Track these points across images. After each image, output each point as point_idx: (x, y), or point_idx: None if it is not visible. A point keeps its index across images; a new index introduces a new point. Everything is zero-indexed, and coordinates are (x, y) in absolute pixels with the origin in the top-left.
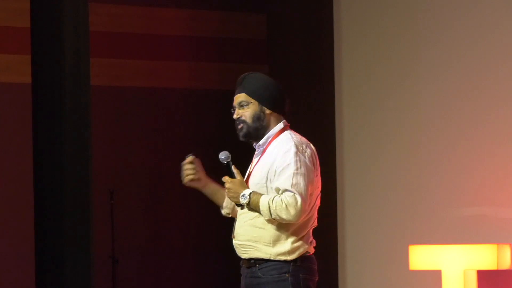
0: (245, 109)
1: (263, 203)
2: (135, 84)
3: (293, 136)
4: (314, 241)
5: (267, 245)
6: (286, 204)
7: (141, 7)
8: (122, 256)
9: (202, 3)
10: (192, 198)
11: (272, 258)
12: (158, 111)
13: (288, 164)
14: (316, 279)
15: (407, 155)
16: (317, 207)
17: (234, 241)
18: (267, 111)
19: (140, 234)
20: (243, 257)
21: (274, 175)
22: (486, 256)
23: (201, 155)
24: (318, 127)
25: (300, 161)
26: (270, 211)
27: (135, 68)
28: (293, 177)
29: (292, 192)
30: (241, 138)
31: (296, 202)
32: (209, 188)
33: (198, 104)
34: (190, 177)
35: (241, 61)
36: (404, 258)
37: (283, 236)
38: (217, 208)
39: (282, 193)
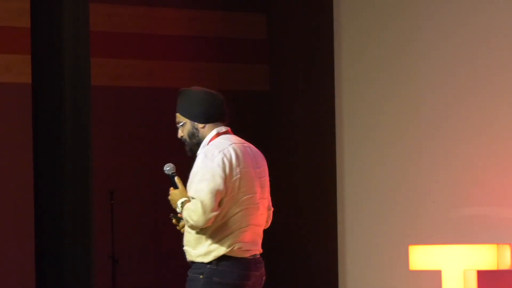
0: (182, 128)
1: (183, 211)
2: (135, 84)
3: (215, 142)
4: (245, 245)
5: (192, 248)
6: (191, 210)
7: (141, 7)
8: (122, 256)
9: (202, 3)
10: None
11: (194, 260)
12: (158, 111)
13: (196, 172)
14: (244, 283)
15: (407, 155)
16: (248, 209)
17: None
18: (200, 126)
19: (140, 234)
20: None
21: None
22: (486, 256)
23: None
24: (318, 127)
25: (206, 167)
26: (186, 218)
27: (135, 68)
28: (197, 184)
29: (195, 199)
30: (188, 154)
31: (197, 208)
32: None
33: None
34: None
35: (241, 61)
36: (404, 258)
37: (202, 239)
38: None
39: (191, 200)
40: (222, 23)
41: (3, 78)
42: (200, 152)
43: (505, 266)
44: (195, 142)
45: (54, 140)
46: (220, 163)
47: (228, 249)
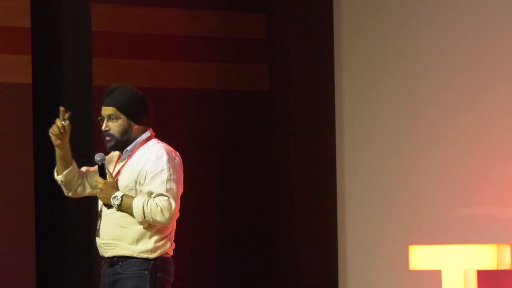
0: (114, 122)
1: (136, 205)
2: (135, 84)
3: (162, 144)
4: (174, 244)
5: (130, 244)
6: (161, 208)
7: (141, 7)
8: None
9: (202, 3)
10: (191, 197)
11: (134, 256)
12: (158, 111)
13: (161, 170)
14: (172, 281)
15: (407, 155)
16: None
17: (97, 240)
18: (135, 126)
19: None
20: (106, 255)
21: (145, 179)
22: (486, 256)
23: (201, 154)
24: (318, 127)
25: (172, 167)
26: (144, 213)
27: (135, 68)
28: (167, 182)
29: (166, 196)
30: (108, 150)
31: (171, 206)
32: (64, 149)
33: (198, 104)
34: (58, 133)
35: (241, 61)
36: (404, 258)
37: (147, 235)
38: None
39: (155, 197)
40: (222, 23)
41: (3, 78)
42: (149, 151)
43: (505, 266)
44: (125, 139)
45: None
46: (180, 166)
47: (169, 247)
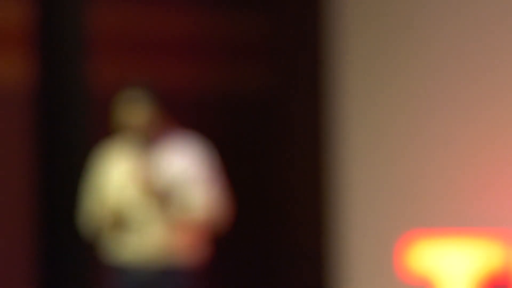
0: (145, 122)
1: (188, 206)
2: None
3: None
4: None
5: (177, 246)
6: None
7: (141, 7)
8: None
9: (202, 3)
10: None
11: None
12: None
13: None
14: None
15: (407, 155)
16: None
17: (138, 242)
18: (159, 123)
19: None
20: (149, 257)
21: (185, 181)
22: (486, 256)
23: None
24: (318, 127)
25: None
26: (195, 214)
27: (135, 68)
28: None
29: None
30: (136, 147)
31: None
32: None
33: (198, 104)
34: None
35: (241, 61)
36: (404, 258)
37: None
38: None
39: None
40: (223, 23)
41: (3, 78)
42: (180, 149)
43: (505, 266)
44: (150, 138)
45: (55, 140)
46: None
47: None
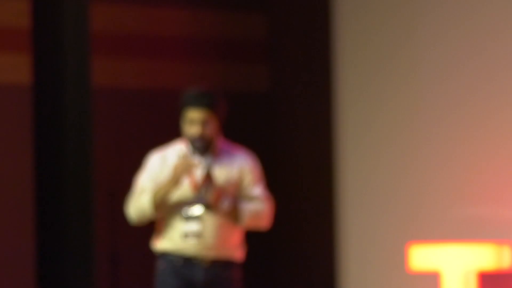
0: (210, 127)
1: (244, 209)
2: (135, 84)
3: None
4: None
5: (232, 248)
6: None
7: (141, 7)
8: (123, 256)
9: (202, 3)
10: None
11: (234, 260)
12: (158, 112)
13: (258, 174)
14: None
15: (406, 155)
16: None
17: (193, 242)
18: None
19: (142, 234)
20: (205, 258)
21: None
22: (486, 256)
23: None
24: (317, 127)
25: None
26: (250, 217)
27: (135, 68)
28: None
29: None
30: (197, 154)
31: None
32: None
33: None
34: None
35: (241, 61)
36: (404, 258)
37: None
38: None
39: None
40: (222, 23)
41: (3, 78)
42: (242, 154)
43: (505, 266)
44: (212, 144)
45: (55, 141)
46: None
47: None
